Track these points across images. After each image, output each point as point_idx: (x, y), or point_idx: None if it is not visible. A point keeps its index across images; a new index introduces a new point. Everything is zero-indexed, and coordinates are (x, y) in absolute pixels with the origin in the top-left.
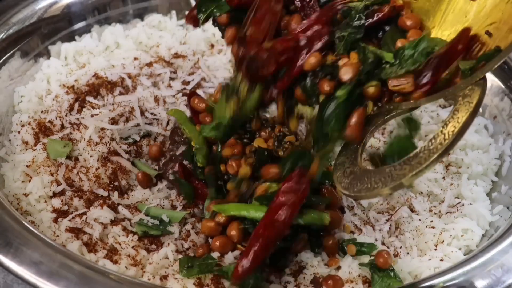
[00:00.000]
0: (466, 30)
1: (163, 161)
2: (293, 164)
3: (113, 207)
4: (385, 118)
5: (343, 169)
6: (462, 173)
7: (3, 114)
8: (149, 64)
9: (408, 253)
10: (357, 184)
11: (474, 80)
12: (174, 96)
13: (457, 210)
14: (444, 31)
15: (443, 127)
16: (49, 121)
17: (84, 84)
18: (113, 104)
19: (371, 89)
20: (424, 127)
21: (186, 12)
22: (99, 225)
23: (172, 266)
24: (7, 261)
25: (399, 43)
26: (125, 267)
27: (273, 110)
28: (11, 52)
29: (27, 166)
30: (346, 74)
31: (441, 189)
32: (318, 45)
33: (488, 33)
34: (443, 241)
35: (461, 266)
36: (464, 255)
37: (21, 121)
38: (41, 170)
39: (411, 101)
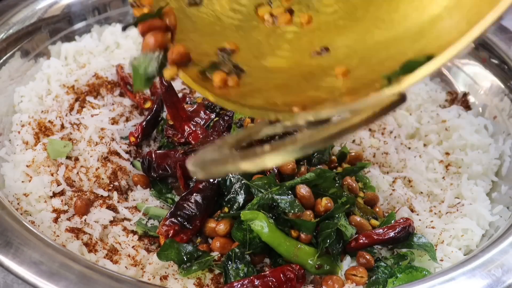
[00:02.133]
0: None
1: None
2: None
3: (113, 207)
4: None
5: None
6: (462, 173)
7: (3, 114)
8: None
9: None
10: (212, 165)
11: (391, 93)
12: None
13: (457, 210)
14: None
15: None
16: (49, 121)
17: (84, 84)
18: (113, 104)
19: None
20: (424, 127)
21: None
22: (99, 225)
23: (172, 266)
24: (7, 261)
25: None
26: (125, 267)
27: None
28: (11, 52)
29: (27, 166)
30: None
31: (441, 189)
32: None
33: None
34: (443, 241)
35: (461, 266)
36: (464, 255)
37: (21, 121)
38: (41, 170)
39: (309, 111)
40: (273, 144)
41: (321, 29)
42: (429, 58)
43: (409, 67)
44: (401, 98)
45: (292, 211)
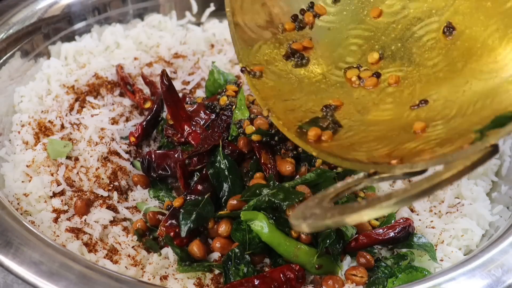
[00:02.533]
0: None
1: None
2: None
3: (113, 207)
4: (372, 178)
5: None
6: None
7: (3, 114)
8: (149, 64)
9: None
10: (313, 217)
11: (484, 146)
12: None
13: (457, 210)
14: None
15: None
16: (49, 121)
17: (84, 84)
18: (113, 104)
19: None
20: None
21: (186, 12)
22: (99, 225)
23: (172, 266)
24: (7, 261)
25: None
26: (125, 267)
27: None
28: (11, 52)
29: (27, 166)
30: None
31: (441, 189)
32: None
33: None
34: (443, 241)
35: (461, 266)
36: (464, 255)
37: (21, 121)
38: (41, 170)
39: (406, 163)
40: (369, 200)
41: (421, 81)
42: None
43: (500, 121)
44: (494, 150)
45: (290, 202)
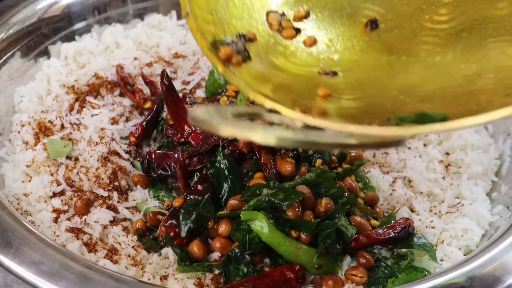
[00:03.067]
0: None
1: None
2: None
3: (113, 207)
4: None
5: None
6: (462, 173)
7: (3, 114)
8: (149, 64)
9: None
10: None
11: (394, 133)
12: None
13: (457, 210)
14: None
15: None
16: (49, 121)
17: (84, 84)
18: (113, 104)
19: None
20: None
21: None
22: (99, 225)
23: (172, 266)
24: (7, 261)
25: None
26: (125, 267)
27: None
28: (11, 52)
29: (27, 166)
30: None
31: (441, 189)
32: None
33: None
34: (443, 241)
35: (461, 266)
36: (464, 255)
37: (21, 121)
38: (41, 170)
39: (307, 115)
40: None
41: (337, 53)
42: (444, 118)
43: (423, 118)
44: (399, 141)
45: (290, 202)
